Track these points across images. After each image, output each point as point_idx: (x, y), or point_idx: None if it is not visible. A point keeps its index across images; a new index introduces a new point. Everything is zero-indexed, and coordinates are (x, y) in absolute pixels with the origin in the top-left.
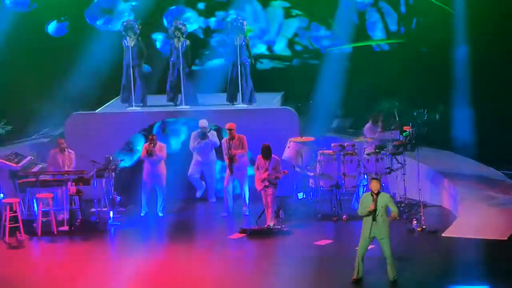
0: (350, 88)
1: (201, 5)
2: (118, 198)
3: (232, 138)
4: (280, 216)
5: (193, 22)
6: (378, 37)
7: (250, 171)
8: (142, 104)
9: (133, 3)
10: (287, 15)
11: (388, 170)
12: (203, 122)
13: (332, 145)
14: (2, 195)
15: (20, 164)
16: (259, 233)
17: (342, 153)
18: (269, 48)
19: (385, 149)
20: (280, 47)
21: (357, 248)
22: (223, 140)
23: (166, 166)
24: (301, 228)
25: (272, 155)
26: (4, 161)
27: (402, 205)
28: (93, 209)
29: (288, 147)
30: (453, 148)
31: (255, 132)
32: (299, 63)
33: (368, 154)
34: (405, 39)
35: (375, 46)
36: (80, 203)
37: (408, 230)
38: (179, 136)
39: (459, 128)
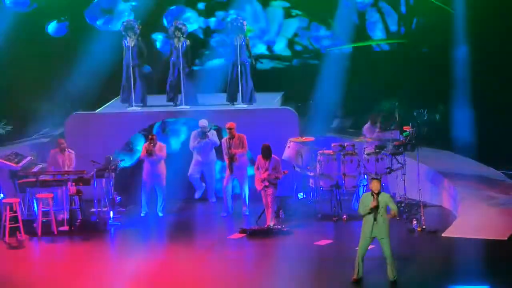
0: (350, 88)
1: (201, 5)
2: (118, 198)
3: (232, 137)
4: (280, 216)
5: (193, 22)
6: (378, 37)
7: (250, 171)
8: (142, 104)
9: (133, 3)
10: (287, 15)
11: (388, 170)
12: (203, 122)
13: (332, 145)
14: (2, 195)
15: (20, 164)
16: (259, 233)
17: (342, 153)
18: (269, 48)
19: (385, 149)
20: (280, 47)
21: (357, 248)
22: (223, 140)
23: (166, 166)
24: (301, 228)
25: (272, 155)
26: (4, 161)
27: (402, 205)
28: (93, 209)
29: (288, 147)
30: (453, 148)
31: (255, 132)
32: (299, 63)
33: (368, 154)
34: (405, 39)
35: (375, 46)
36: (80, 203)
37: (408, 230)
38: (179, 136)
39: (459, 128)
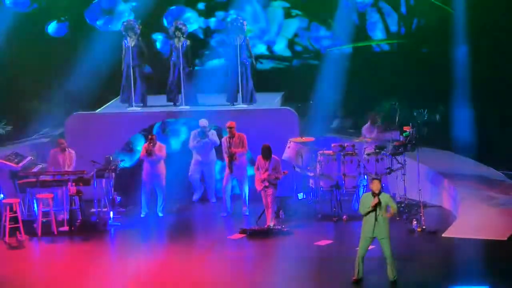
0: (350, 88)
1: (201, 5)
2: (118, 198)
3: (232, 136)
4: (280, 216)
5: (193, 22)
6: (378, 37)
7: (250, 171)
8: (142, 104)
9: (133, 4)
10: (287, 15)
11: (388, 170)
12: (203, 121)
13: (332, 145)
14: (2, 195)
15: (20, 164)
16: (259, 234)
17: (342, 153)
18: (269, 49)
19: (385, 149)
20: (280, 48)
21: (357, 248)
22: (223, 139)
23: (166, 166)
24: (301, 228)
25: (272, 156)
26: (4, 161)
27: (402, 205)
28: (93, 210)
29: (288, 147)
30: (453, 148)
31: (255, 132)
32: (299, 63)
33: (368, 155)
34: (406, 40)
35: (375, 46)
36: (80, 204)
37: (408, 230)
38: (179, 136)
39: (459, 129)
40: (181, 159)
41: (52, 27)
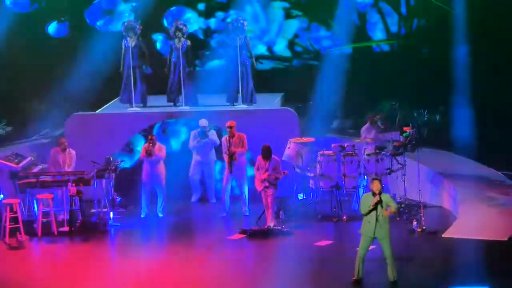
0: (350, 88)
1: (201, 6)
2: (118, 199)
3: (232, 136)
4: (280, 216)
5: (193, 22)
6: (378, 37)
7: (250, 171)
8: (142, 104)
9: (134, 4)
10: (287, 15)
11: (388, 170)
12: (203, 121)
13: (332, 145)
14: (2, 196)
15: (20, 164)
16: (259, 234)
17: (342, 153)
18: (269, 49)
19: (385, 149)
20: (280, 48)
21: (357, 248)
22: (223, 138)
23: (166, 166)
24: (301, 228)
25: (272, 156)
26: (4, 161)
27: (402, 205)
28: (93, 210)
29: (288, 147)
30: (453, 148)
31: (255, 133)
32: (299, 63)
33: (368, 155)
34: (406, 40)
35: (375, 46)
36: (80, 204)
37: (408, 230)
38: (179, 136)
39: (459, 129)
40: (181, 159)
41: (52, 28)
